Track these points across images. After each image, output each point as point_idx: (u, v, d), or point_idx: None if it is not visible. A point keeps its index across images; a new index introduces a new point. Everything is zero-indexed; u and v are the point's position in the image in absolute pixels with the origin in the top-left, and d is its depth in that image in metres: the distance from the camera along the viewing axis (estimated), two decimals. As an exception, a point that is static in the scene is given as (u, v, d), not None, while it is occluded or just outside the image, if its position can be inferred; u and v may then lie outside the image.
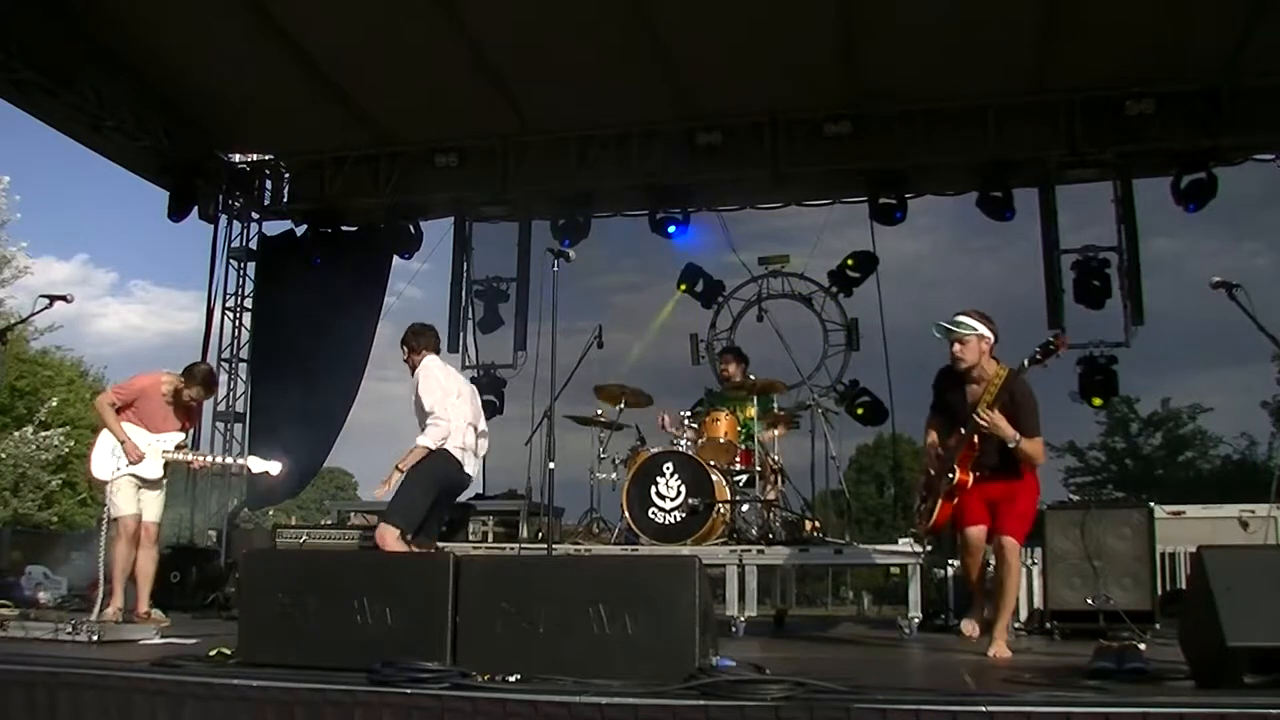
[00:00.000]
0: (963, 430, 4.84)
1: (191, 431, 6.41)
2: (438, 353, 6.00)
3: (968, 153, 9.17)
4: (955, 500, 4.90)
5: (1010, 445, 4.71)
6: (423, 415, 5.64)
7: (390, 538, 5.44)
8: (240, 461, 6.31)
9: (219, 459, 6.60)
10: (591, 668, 3.16)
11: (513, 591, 3.44)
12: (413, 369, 5.85)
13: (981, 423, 4.69)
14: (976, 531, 4.95)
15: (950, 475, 4.84)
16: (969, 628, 5.27)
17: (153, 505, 6.07)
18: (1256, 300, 4.84)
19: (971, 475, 4.84)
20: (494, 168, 10.05)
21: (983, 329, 4.85)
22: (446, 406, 5.65)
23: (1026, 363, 4.74)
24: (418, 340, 5.92)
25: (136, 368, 6.44)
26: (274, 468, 6.15)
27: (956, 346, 4.85)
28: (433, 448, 5.56)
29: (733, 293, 10.50)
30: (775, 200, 10.20)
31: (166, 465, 6.05)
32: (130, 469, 5.92)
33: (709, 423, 7.31)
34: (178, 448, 6.06)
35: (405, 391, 5.84)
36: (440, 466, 5.63)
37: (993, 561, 5.10)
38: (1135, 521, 5.94)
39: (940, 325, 4.91)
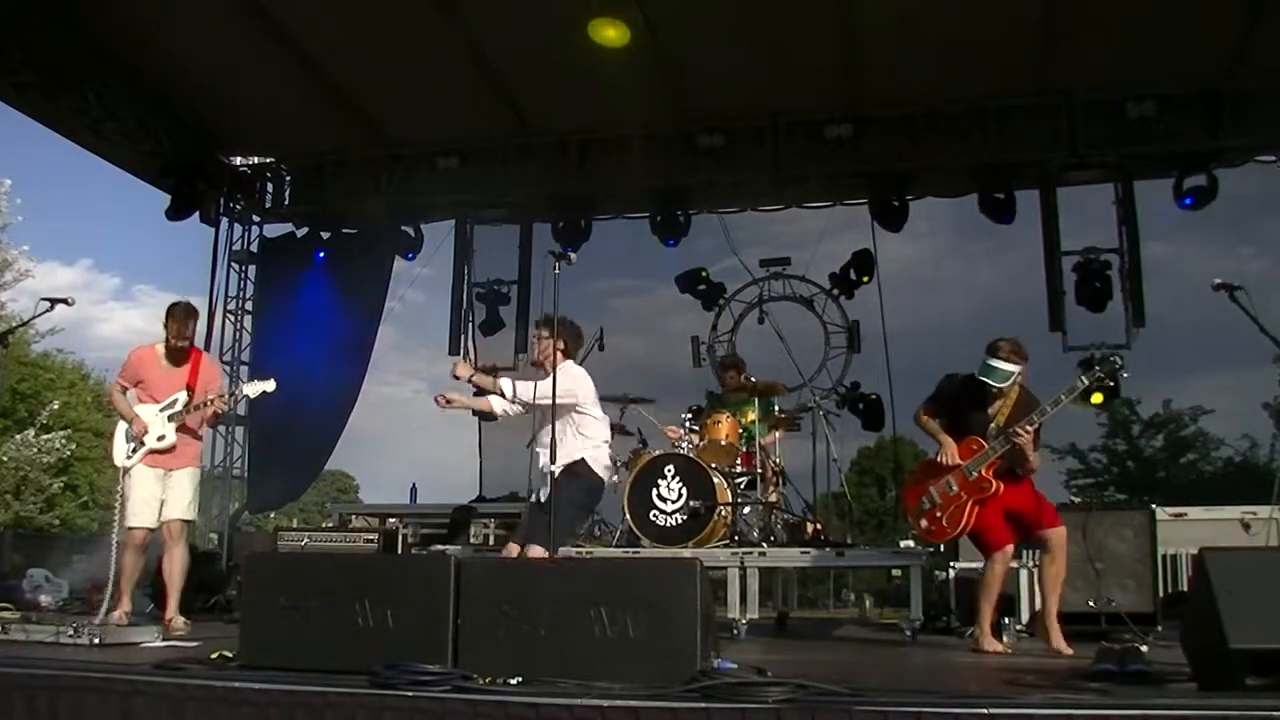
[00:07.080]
0: (985, 441, 5.10)
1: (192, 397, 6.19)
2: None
3: (968, 155, 9.16)
4: (985, 507, 5.08)
5: (1032, 457, 5.04)
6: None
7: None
8: (239, 391, 6.16)
9: (217, 398, 6.26)
10: (593, 670, 3.16)
11: (514, 594, 3.44)
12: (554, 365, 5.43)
13: (1022, 436, 4.96)
14: (1009, 551, 5.17)
15: (990, 486, 5.07)
16: (999, 645, 5.15)
17: (176, 502, 5.86)
18: (1257, 302, 4.87)
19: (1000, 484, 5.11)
20: (495, 170, 10.05)
21: (1020, 367, 5.11)
22: None
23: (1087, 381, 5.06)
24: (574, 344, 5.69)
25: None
26: (269, 385, 6.04)
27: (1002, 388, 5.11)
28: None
29: (734, 295, 10.51)
30: (776, 203, 10.18)
31: (179, 428, 5.88)
32: (145, 447, 5.80)
33: (710, 425, 7.32)
34: (184, 406, 5.89)
35: (422, 390, 5.65)
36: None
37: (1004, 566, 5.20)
38: (1137, 523, 5.96)
39: (987, 380, 5.08)
